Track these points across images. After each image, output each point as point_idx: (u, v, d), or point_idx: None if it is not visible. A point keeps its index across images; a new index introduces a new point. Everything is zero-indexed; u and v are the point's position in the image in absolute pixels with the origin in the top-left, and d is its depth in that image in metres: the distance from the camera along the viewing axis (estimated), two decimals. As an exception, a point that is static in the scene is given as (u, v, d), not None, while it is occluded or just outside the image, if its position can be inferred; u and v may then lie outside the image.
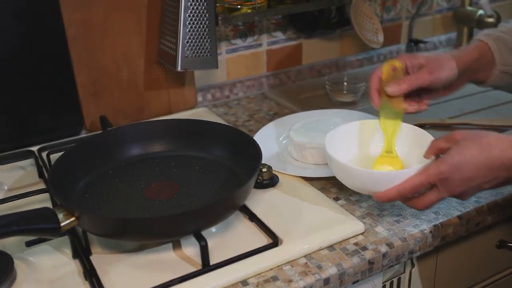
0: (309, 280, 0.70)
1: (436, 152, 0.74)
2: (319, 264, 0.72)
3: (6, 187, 0.92)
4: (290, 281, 0.69)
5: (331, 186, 0.89)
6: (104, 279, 0.69)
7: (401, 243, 0.76)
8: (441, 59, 0.85)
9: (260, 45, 1.29)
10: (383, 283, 0.82)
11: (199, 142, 0.92)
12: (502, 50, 0.89)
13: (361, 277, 0.74)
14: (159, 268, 0.71)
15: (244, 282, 0.69)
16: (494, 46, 0.88)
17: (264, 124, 1.08)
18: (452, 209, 0.82)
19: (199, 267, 0.70)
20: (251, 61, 1.29)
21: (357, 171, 0.76)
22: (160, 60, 1.11)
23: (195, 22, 1.00)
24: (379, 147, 0.84)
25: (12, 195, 0.84)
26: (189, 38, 1.00)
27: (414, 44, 1.42)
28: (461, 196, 0.73)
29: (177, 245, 0.75)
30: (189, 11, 0.99)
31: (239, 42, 1.27)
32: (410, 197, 0.74)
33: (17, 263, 0.72)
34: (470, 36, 1.52)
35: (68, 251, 0.75)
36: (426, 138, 0.80)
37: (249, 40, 1.28)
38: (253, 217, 0.79)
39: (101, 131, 0.98)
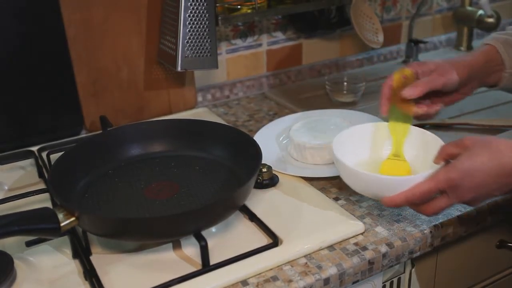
0: (309, 280, 0.70)
1: (446, 158, 0.73)
2: (319, 264, 0.72)
3: (6, 187, 0.92)
4: (290, 281, 0.69)
5: (331, 186, 0.89)
6: (104, 279, 0.69)
7: (401, 243, 0.76)
8: (451, 62, 0.87)
9: (260, 45, 1.29)
10: (383, 283, 0.82)
11: (199, 142, 0.92)
12: (510, 52, 0.89)
13: (361, 277, 0.74)
14: (159, 268, 0.71)
15: (244, 282, 0.69)
16: (502, 48, 0.89)
17: (264, 124, 1.08)
18: (452, 209, 0.82)
19: (199, 267, 0.70)
20: (251, 61, 1.30)
21: (365, 176, 0.75)
22: (160, 60, 1.11)
23: (195, 22, 1.00)
24: (388, 150, 0.84)
25: (12, 195, 0.84)
26: (189, 38, 1.00)
27: (414, 44, 1.42)
28: (471, 202, 0.72)
29: (177, 245, 0.75)
30: (189, 11, 0.99)
31: (239, 42, 1.27)
32: (419, 203, 0.73)
33: (17, 263, 0.72)
34: (470, 36, 1.52)
35: (68, 251, 0.75)
36: (435, 142, 0.78)
37: (249, 40, 1.28)
38: (253, 217, 0.79)
39: (101, 131, 0.98)
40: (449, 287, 0.91)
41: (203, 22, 1.00)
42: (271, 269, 0.71)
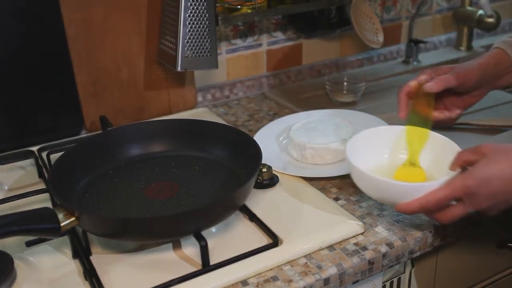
0: (309, 280, 0.70)
1: (462, 165, 0.72)
2: (319, 264, 0.72)
3: (6, 187, 0.92)
4: (290, 281, 0.69)
5: (331, 186, 0.89)
6: (104, 279, 0.69)
7: (401, 243, 0.76)
8: (462, 66, 0.90)
9: (260, 45, 1.29)
10: (383, 283, 0.82)
11: (199, 142, 0.92)
12: None
13: (361, 277, 0.74)
14: (159, 268, 0.71)
15: (244, 282, 0.69)
16: (511, 50, 0.90)
17: (264, 124, 1.08)
18: (452, 209, 0.82)
19: (199, 267, 0.70)
20: (251, 61, 1.30)
21: (380, 182, 0.73)
22: (160, 60, 1.11)
23: (195, 22, 1.00)
24: (403, 155, 0.82)
25: (12, 195, 0.84)
26: (189, 38, 1.00)
27: (414, 44, 1.42)
28: (488, 210, 0.71)
29: (177, 245, 0.75)
30: (189, 11, 0.99)
31: (239, 42, 1.27)
32: (434, 210, 0.72)
33: (17, 263, 0.72)
34: (470, 36, 1.52)
35: (68, 251, 0.75)
36: (451, 148, 0.77)
37: (249, 40, 1.28)
38: (253, 217, 0.79)
39: (101, 131, 0.98)
40: (449, 287, 0.91)
41: (203, 22, 1.00)
42: (271, 269, 0.71)
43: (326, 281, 0.71)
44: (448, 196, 0.69)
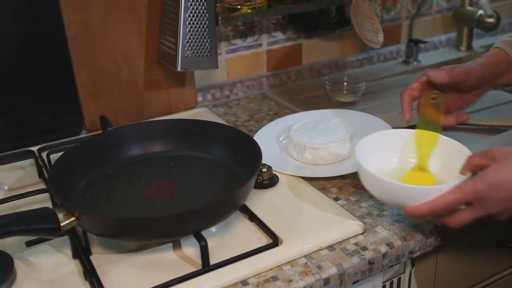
0: (309, 280, 0.70)
1: (473, 169, 0.71)
2: (319, 264, 0.72)
3: (6, 187, 0.92)
4: (290, 281, 0.69)
5: (331, 186, 0.89)
6: (104, 279, 0.69)
7: (401, 243, 0.76)
8: (463, 65, 0.90)
9: (260, 45, 1.29)
10: (383, 283, 0.82)
11: (199, 142, 0.92)
12: None
13: (361, 277, 0.74)
14: (159, 268, 0.71)
15: (244, 282, 0.69)
16: (510, 49, 0.90)
17: (264, 124, 1.08)
18: (452, 209, 0.82)
19: (199, 267, 0.70)
20: (251, 61, 1.30)
21: (390, 184, 0.72)
22: (160, 60, 1.11)
23: (195, 22, 1.00)
24: (412, 159, 0.82)
25: (12, 195, 0.84)
26: (189, 38, 1.00)
27: (414, 44, 1.42)
28: (499, 215, 0.70)
29: (177, 245, 0.75)
30: (189, 11, 0.99)
31: (239, 42, 1.27)
32: (443, 214, 0.71)
33: (17, 263, 0.72)
34: (470, 36, 1.52)
35: (68, 251, 0.75)
36: (461, 152, 0.76)
37: (249, 40, 1.28)
38: (253, 217, 0.79)
39: (101, 131, 0.98)
40: (449, 287, 0.91)
41: (203, 22, 1.00)
42: (271, 269, 0.71)
43: (326, 281, 0.71)
44: (458, 200, 0.68)
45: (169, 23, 1.04)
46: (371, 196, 0.85)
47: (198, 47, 1.01)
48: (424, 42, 1.43)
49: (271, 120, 1.12)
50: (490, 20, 1.41)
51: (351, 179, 0.90)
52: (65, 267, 0.72)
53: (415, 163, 0.82)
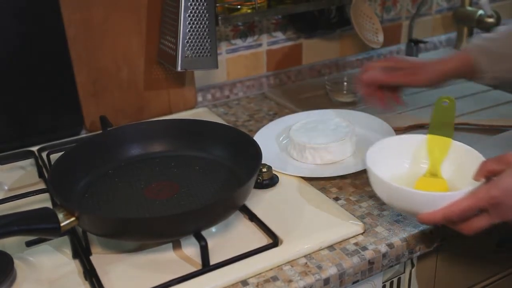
0: (309, 280, 0.70)
1: (487, 175, 0.69)
2: (319, 264, 0.72)
3: (6, 187, 0.92)
4: (290, 281, 0.69)
5: (331, 186, 0.89)
6: (104, 279, 0.69)
7: (401, 243, 0.76)
8: (429, 64, 0.92)
9: (260, 45, 1.29)
10: (383, 283, 0.82)
11: (199, 142, 0.92)
12: (486, 60, 0.89)
13: (361, 277, 0.74)
14: (159, 268, 0.71)
15: (244, 282, 0.69)
16: (478, 58, 0.90)
17: (264, 124, 1.08)
18: (452, 209, 0.82)
19: (199, 267, 0.70)
20: (251, 61, 1.30)
21: (402, 191, 0.71)
22: (160, 60, 1.11)
23: (195, 22, 1.00)
24: (424, 164, 0.81)
25: (12, 195, 0.84)
26: (189, 38, 1.00)
27: (414, 44, 1.42)
28: None
29: (177, 245, 0.75)
30: (189, 11, 0.99)
31: (239, 42, 1.27)
32: (457, 221, 0.69)
33: (17, 263, 0.72)
34: (470, 36, 1.52)
35: (68, 251, 0.75)
36: (474, 157, 0.75)
37: (249, 40, 1.28)
38: (253, 217, 0.79)
39: (101, 131, 0.99)
40: (449, 287, 0.91)
41: (203, 22, 1.00)
42: (271, 269, 0.71)
43: (326, 281, 0.71)
44: (473, 207, 0.67)
45: (169, 23, 1.04)
46: (371, 196, 0.85)
47: (198, 47, 1.01)
48: (424, 42, 1.43)
49: (271, 120, 1.12)
50: (490, 20, 1.41)
51: (351, 179, 0.90)
52: (65, 267, 0.72)
53: (427, 169, 0.81)
